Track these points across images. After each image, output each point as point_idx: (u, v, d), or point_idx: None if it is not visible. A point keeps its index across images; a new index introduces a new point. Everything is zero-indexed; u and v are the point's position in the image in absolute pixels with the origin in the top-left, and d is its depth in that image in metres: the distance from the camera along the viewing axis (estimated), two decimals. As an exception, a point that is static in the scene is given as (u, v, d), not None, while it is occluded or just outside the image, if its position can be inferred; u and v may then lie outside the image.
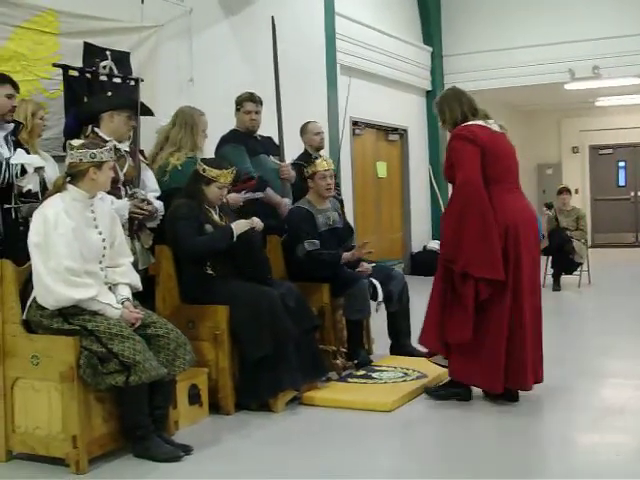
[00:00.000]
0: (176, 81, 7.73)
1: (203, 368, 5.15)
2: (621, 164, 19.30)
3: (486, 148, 5.13)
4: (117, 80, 6.48)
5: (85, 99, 6.08)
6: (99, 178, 4.42)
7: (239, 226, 5.35)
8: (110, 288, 4.50)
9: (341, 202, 7.13)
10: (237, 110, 6.68)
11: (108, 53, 6.50)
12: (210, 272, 5.37)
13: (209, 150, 6.42)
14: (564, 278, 11.15)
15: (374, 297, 6.30)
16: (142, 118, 5.82)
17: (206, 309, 5.28)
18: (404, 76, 13.41)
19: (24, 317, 4.36)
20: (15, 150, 4.98)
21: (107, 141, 5.11)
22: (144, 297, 4.91)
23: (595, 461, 4.22)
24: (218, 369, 5.22)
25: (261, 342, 5.09)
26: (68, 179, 4.42)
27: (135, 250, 5.34)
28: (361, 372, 5.98)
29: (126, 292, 4.54)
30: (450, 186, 5.51)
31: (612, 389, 5.82)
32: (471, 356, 5.12)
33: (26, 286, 4.40)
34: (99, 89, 6.22)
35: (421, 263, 13.14)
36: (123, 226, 4.91)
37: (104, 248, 4.47)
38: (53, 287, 4.18)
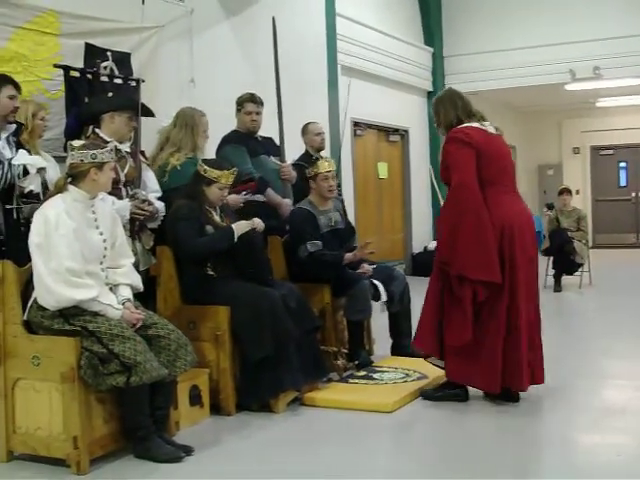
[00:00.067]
0: (177, 82, 7.73)
1: (204, 369, 5.15)
2: (622, 165, 19.30)
3: (481, 150, 5.13)
4: (118, 81, 6.48)
5: (86, 100, 6.08)
6: (100, 179, 4.42)
7: (240, 227, 5.35)
8: (111, 289, 4.50)
9: (341, 202, 7.12)
10: (238, 111, 6.68)
11: (109, 54, 6.51)
12: (211, 273, 5.37)
13: (210, 151, 6.42)
14: (565, 279, 11.16)
15: (375, 298, 6.30)
16: (143, 119, 5.82)
17: (207, 310, 5.28)
18: (405, 77, 13.42)
19: (25, 318, 4.35)
20: (17, 151, 4.98)
21: (108, 142, 5.12)
22: (145, 298, 4.91)
23: (596, 461, 4.22)
24: (219, 370, 5.22)
25: (262, 343, 5.09)
26: (69, 180, 4.42)
27: (136, 251, 5.34)
28: (362, 373, 5.98)
29: (127, 293, 4.54)
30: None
31: (613, 390, 5.82)
32: (468, 357, 5.12)
33: (27, 287, 4.39)
34: (100, 90, 6.22)
35: (422, 264, 13.12)
36: (124, 227, 4.91)
37: (105, 249, 4.47)
38: (54, 288, 4.18)
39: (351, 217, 7.03)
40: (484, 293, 5.04)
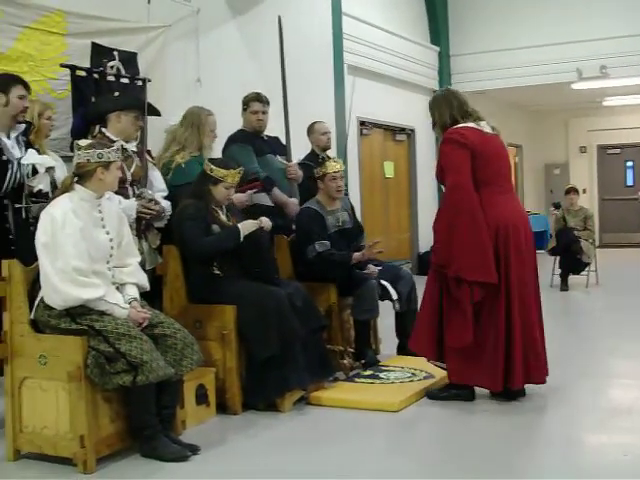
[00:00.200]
0: (183, 81, 7.74)
1: (210, 368, 5.15)
2: (629, 164, 19.26)
3: (476, 151, 5.12)
4: (125, 80, 6.49)
5: (92, 99, 6.09)
6: (107, 178, 4.43)
7: (246, 226, 5.35)
8: (118, 288, 4.51)
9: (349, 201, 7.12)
10: (244, 110, 6.68)
11: (115, 53, 6.52)
12: (217, 272, 5.37)
13: (217, 150, 6.43)
14: (572, 278, 11.14)
15: (383, 298, 6.30)
16: (149, 118, 5.83)
17: (213, 309, 5.28)
18: (411, 76, 13.40)
19: (32, 317, 4.36)
20: (26, 150, 5.00)
21: (114, 141, 5.12)
22: (151, 297, 4.92)
23: (602, 461, 4.21)
24: (225, 369, 5.22)
25: (268, 342, 5.09)
26: (76, 179, 4.43)
27: (142, 250, 5.35)
28: (368, 372, 5.98)
29: (133, 292, 4.55)
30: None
31: (619, 389, 5.81)
32: (470, 357, 5.13)
33: (34, 286, 4.40)
34: (106, 89, 6.23)
35: (428, 263, 13.08)
36: (130, 226, 4.92)
37: (111, 248, 4.48)
38: (61, 287, 4.19)
39: (357, 216, 7.01)
40: (480, 293, 5.05)
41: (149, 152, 5.80)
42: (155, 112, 5.92)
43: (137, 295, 4.55)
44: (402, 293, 6.37)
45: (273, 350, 5.09)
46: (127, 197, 5.28)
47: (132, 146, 5.51)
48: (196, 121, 6.06)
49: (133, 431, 4.39)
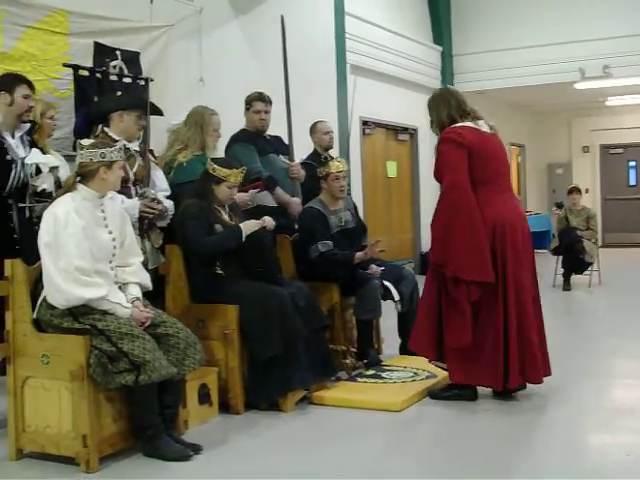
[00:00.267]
0: (186, 81, 7.74)
1: (213, 367, 5.16)
2: (632, 164, 19.23)
3: (474, 150, 5.12)
4: (127, 80, 6.49)
5: (95, 99, 6.09)
6: (109, 178, 4.43)
7: (248, 226, 5.35)
8: (120, 287, 4.51)
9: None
10: (246, 109, 6.69)
11: (118, 53, 6.53)
12: (220, 272, 5.37)
13: (220, 150, 6.43)
14: (574, 278, 11.13)
15: (386, 298, 6.30)
16: (152, 118, 5.83)
17: (216, 308, 5.28)
18: (414, 76, 13.40)
19: (34, 316, 4.37)
20: (31, 150, 5.00)
21: (117, 141, 5.12)
22: (154, 296, 4.91)
23: (605, 461, 4.21)
24: (228, 369, 5.22)
25: (271, 342, 5.09)
26: (78, 179, 4.43)
27: (145, 249, 5.35)
28: (371, 372, 5.99)
29: (136, 291, 4.55)
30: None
31: (622, 389, 5.81)
32: (470, 357, 5.14)
33: (36, 285, 4.41)
34: (109, 89, 6.23)
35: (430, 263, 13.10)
36: (133, 225, 4.92)
37: (114, 247, 4.48)
38: (63, 286, 4.19)
39: (360, 216, 7.01)
40: (477, 293, 5.06)
41: (151, 151, 5.80)
42: (158, 112, 5.92)
43: (140, 294, 4.56)
44: (404, 293, 6.37)
45: (275, 350, 5.09)
46: (130, 196, 5.28)
47: (135, 145, 5.51)
48: (199, 120, 6.06)
49: (136, 430, 4.39)
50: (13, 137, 4.98)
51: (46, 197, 4.90)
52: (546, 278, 11.24)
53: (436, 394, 5.41)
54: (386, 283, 6.30)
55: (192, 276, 5.44)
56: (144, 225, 5.42)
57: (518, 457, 4.33)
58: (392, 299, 6.32)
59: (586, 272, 11.17)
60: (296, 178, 6.70)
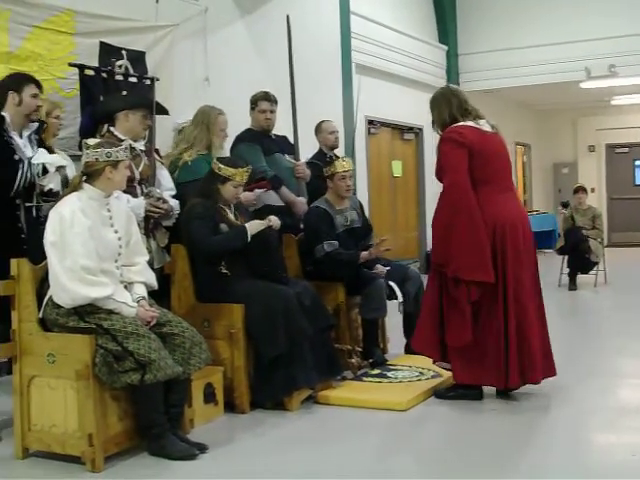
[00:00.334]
0: (191, 80, 7.75)
1: (218, 367, 5.16)
2: (637, 163, 19.22)
3: (474, 150, 5.12)
4: (133, 79, 6.50)
5: (101, 98, 6.10)
6: (115, 177, 4.43)
7: (253, 226, 5.35)
8: (126, 287, 4.51)
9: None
10: (252, 109, 6.69)
11: (124, 52, 6.53)
12: (225, 271, 5.38)
13: (225, 149, 6.43)
14: (580, 277, 11.11)
15: (390, 297, 6.30)
16: (158, 118, 5.84)
17: (221, 308, 5.29)
18: (419, 75, 13.39)
19: (40, 315, 4.37)
20: (38, 149, 5.01)
21: (122, 140, 5.12)
22: (159, 296, 4.92)
23: (610, 461, 4.20)
24: (233, 368, 5.23)
25: (276, 341, 5.09)
26: (84, 178, 4.44)
27: (151, 249, 5.35)
28: (376, 371, 5.99)
29: (141, 291, 4.55)
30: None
31: (628, 389, 5.80)
32: (473, 357, 5.14)
33: (42, 284, 4.41)
34: (115, 88, 6.24)
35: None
36: (139, 225, 4.92)
37: (120, 247, 4.48)
38: (69, 286, 4.20)
39: (366, 215, 7.01)
40: (477, 292, 5.06)
41: (157, 151, 5.80)
42: (163, 111, 5.93)
43: (145, 294, 4.56)
44: (410, 293, 6.36)
45: (281, 349, 5.09)
46: (135, 196, 5.29)
47: (140, 145, 5.51)
48: (206, 120, 6.06)
49: (141, 430, 4.39)
50: (21, 137, 4.98)
51: (53, 197, 4.90)
52: (552, 278, 11.25)
53: (441, 394, 5.41)
54: (391, 283, 6.30)
55: (197, 275, 5.45)
56: (150, 224, 5.43)
57: (523, 457, 4.33)
58: (396, 299, 6.32)
59: (592, 271, 11.15)
60: (302, 177, 6.70)
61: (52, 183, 4.92)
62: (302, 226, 6.48)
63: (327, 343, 5.58)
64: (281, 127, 6.85)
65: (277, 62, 7.98)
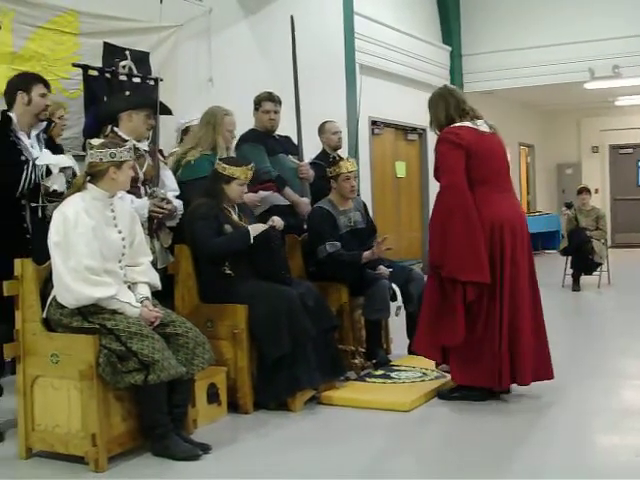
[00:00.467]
0: (195, 81, 7.76)
1: (222, 367, 5.16)
2: (642, 164, 19.21)
3: (472, 150, 5.12)
4: (136, 80, 6.51)
5: (104, 99, 6.11)
6: (119, 177, 4.44)
7: (256, 229, 5.36)
8: (129, 287, 4.51)
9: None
10: (256, 109, 6.69)
11: (127, 53, 6.54)
12: (229, 272, 5.38)
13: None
14: (584, 278, 11.10)
15: (393, 298, 6.29)
16: (162, 118, 5.84)
17: (225, 308, 5.29)
18: (423, 75, 13.38)
19: (44, 315, 4.38)
20: (43, 150, 5.01)
21: (126, 140, 5.12)
22: (163, 296, 4.92)
23: (614, 462, 4.20)
24: (237, 368, 5.23)
25: (279, 341, 5.09)
26: (88, 178, 4.44)
27: (154, 249, 5.35)
28: (380, 372, 5.98)
29: (145, 291, 4.55)
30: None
31: (631, 390, 5.79)
32: (470, 357, 5.14)
33: (46, 285, 4.42)
34: (118, 89, 6.25)
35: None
36: (142, 225, 4.92)
37: (124, 247, 4.49)
38: (73, 286, 4.20)
39: (370, 216, 7.01)
40: (473, 293, 5.06)
41: (161, 151, 5.81)
42: (167, 111, 5.92)
43: (149, 294, 4.56)
44: (413, 295, 6.35)
45: (284, 349, 5.09)
46: (139, 196, 5.29)
47: (144, 145, 5.51)
48: (212, 120, 6.06)
49: (145, 430, 4.40)
50: (29, 136, 4.99)
51: (57, 197, 4.91)
52: (555, 278, 11.25)
53: (445, 394, 5.41)
54: (393, 286, 6.29)
55: (201, 276, 5.45)
56: (153, 225, 5.43)
57: (526, 458, 4.32)
58: (394, 300, 6.31)
59: (595, 272, 11.15)
60: (305, 178, 6.70)
61: (56, 184, 4.92)
62: (305, 227, 6.49)
63: (330, 344, 5.58)
64: (285, 127, 6.85)
65: (281, 63, 7.99)
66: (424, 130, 13.65)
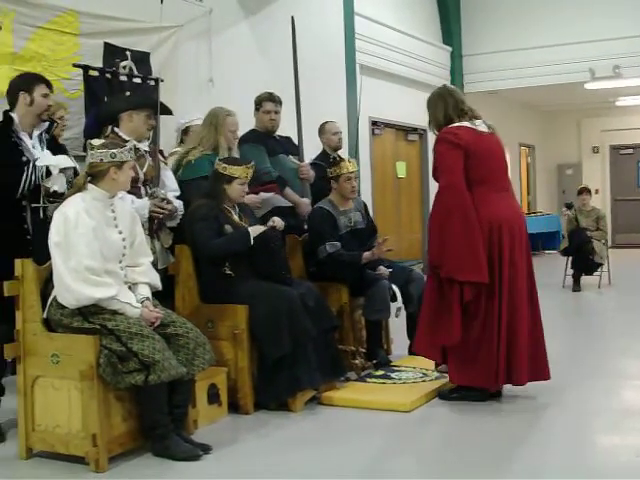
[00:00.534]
0: (196, 81, 7.76)
1: (222, 367, 5.16)
2: (642, 164, 19.21)
3: (470, 150, 5.12)
4: (137, 80, 6.51)
5: (105, 99, 6.11)
6: (120, 178, 4.44)
7: (256, 230, 5.37)
8: (130, 287, 4.51)
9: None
10: (256, 110, 6.69)
11: (128, 53, 6.55)
12: (229, 272, 5.38)
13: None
14: (584, 279, 11.10)
15: (394, 299, 6.29)
16: (162, 119, 5.84)
17: (225, 308, 5.29)
18: (423, 76, 13.38)
19: (44, 316, 4.38)
20: (47, 149, 5.01)
21: (127, 141, 5.12)
22: (164, 296, 4.92)
23: (614, 462, 4.20)
24: (237, 368, 5.23)
25: (280, 342, 5.09)
26: (89, 179, 4.44)
27: (155, 249, 5.35)
28: (380, 372, 5.98)
29: (146, 291, 4.55)
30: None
31: (632, 390, 5.79)
32: (468, 358, 5.14)
33: (47, 285, 4.42)
34: (119, 89, 6.25)
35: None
36: (143, 225, 4.92)
37: (124, 247, 4.49)
38: (73, 286, 4.20)
39: (371, 216, 7.01)
40: (470, 293, 5.06)
41: (161, 152, 5.80)
42: (167, 111, 5.92)
43: (149, 294, 4.56)
44: (413, 295, 6.34)
45: (285, 350, 5.09)
46: (140, 197, 5.29)
47: (144, 145, 5.51)
48: (214, 121, 6.06)
49: (145, 430, 4.40)
50: (31, 137, 4.99)
51: (58, 198, 4.91)
52: (556, 279, 11.25)
53: (445, 395, 5.41)
54: (393, 287, 6.29)
55: (202, 276, 5.45)
56: (154, 225, 5.43)
57: (526, 458, 4.32)
58: (395, 300, 6.31)
59: (596, 273, 11.15)
60: (306, 179, 6.70)
61: (56, 185, 4.92)
62: (306, 227, 6.49)
63: (331, 344, 5.58)
64: (285, 128, 6.85)
65: (281, 63, 7.99)
66: (424, 130, 13.62)
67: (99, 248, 4.30)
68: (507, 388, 5.30)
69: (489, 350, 5.09)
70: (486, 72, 14.34)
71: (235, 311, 5.24)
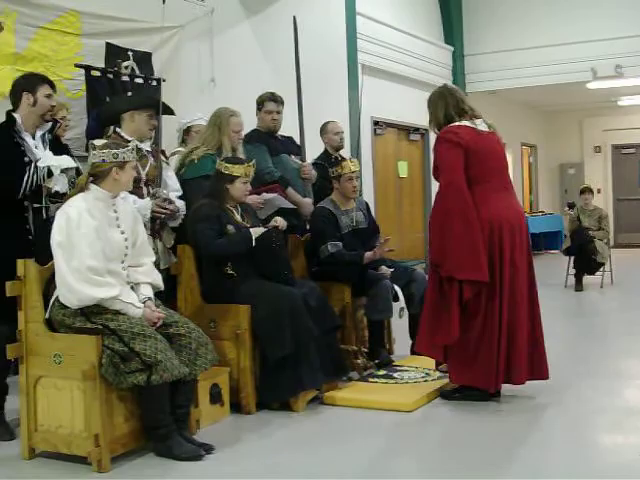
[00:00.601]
0: (197, 81, 7.77)
1: (225, 367, 5.16)
2: (644, 163, 19.20)
3: (470, 149, 5.12)
4: (139, 80, 6.52)
5: (107, 99, 6.11)
6: (122, 178, 4.44)
7: (257, 232, 5.37)
8: (132, 287, 4.51)
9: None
10: (258, 110, 6.69)
11: (130, 53, 6.55)
12: (231, 272, 5.38)
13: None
14: (586, 278, 11.10)
15: (396, 299, 6.29)
16: (164, 119, 5.84)
17: (228, 308, 5.29)
18: (425, 76, 13.39)
19: (47, 316, 4.38)
20: (50, 150, 5.01)
21: (129, 141, 5.12)
22: (166, 296, 4.93)
23: (617, 462, 4.19)
24: (239, 368, 5.23)
25: (282, 342, 5.09)
26: (91, 179, 4.44)
27: (157, 249, 5.35)
28: (382, 372, 5.98)
29: (148, 291, 4.55)
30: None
31: (635, 390, 5.78)
32: (468, 358, 5.14)
33: (49, 285, 4.42)
34: (121, 89, 6.26)
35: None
36: (145, 225, 4.93)
37: (126, 247, 4.49)
38: (76, 286, 4.20)
39: (373, 216, 7.01)
40: (470, 291, 5.06)
41: (163, 152, 5.80)
42: (169, 111, 5.92)
43: (151, 294, 4.56)
44: (415, 295, 6.34)
45: (287, 350, 5.09)
46: (142, 197, 5.29)
47: (146, 146, 5.51)
48: (218, 121, 6.05)
49: (147, 430, 4.39)
50: (34, 137, 4.99)
51: (60, 198, 4.90)
52: (558, 278, 11.25)
53: (448, 394, 5.41)
54: (395, 287, 6.28)
55: (204, 276, 5.45)
56: (156, 225, 5.43)
57: (528, 457, 4.31)
58: (398, 300, 6.30)
59: (598, 272, 11.14)
60: (308, 178, 6.70)
61: (58, 185, 4.92)
62: (308, 227, 6.49)
63: (333, 344, 5.58)
64: (287, 128, 6.85)
65: (283, 63, 7.98)
66: (426, 130, 13.63)
67: (101, 248, 4.30)
68: (506, 388, 5.29)
69: (489, 350, 5.09)
70: (488, 72, 14.35)
71: (237, 311, 5.24)
